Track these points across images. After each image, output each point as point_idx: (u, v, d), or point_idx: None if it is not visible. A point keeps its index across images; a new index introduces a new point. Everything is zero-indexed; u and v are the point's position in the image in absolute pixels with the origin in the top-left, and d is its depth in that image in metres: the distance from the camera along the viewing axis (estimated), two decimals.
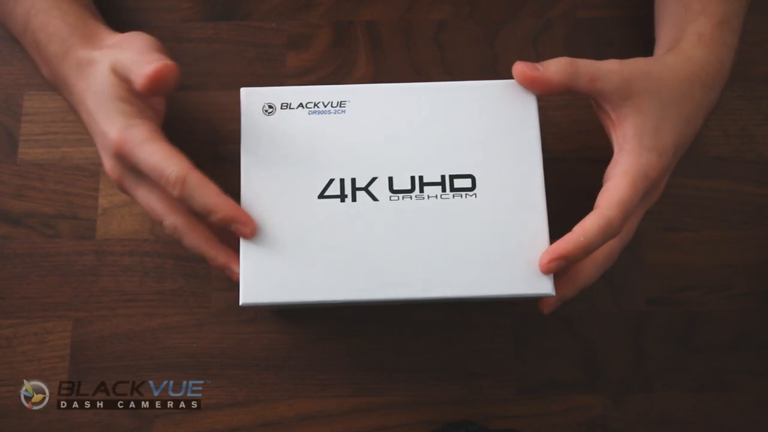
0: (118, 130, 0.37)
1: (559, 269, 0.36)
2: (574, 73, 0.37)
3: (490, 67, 0.48)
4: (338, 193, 0.36)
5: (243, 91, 0.38)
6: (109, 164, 0.39)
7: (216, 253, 0.38)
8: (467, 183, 0.37)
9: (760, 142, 0.48)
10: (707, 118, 0.41)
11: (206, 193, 0.36)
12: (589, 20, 0.49)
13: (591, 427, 0.43)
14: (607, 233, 0.36)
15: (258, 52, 0.48)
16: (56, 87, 0.42)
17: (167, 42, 0.48)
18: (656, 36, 0.44)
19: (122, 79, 0.38)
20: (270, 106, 0.38)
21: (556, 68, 0.37)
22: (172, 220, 0.38)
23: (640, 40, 0.49)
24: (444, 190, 0.36)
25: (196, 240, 0.38)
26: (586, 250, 0.35)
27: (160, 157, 0.36)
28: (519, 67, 0.37)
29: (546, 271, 0.35)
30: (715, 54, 0.40)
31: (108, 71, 0.38)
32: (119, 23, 0.48)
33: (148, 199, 0.38)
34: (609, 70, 0.38)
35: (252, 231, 0.36)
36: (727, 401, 0.44)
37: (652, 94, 0.38)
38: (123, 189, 0.39)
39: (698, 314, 0.45)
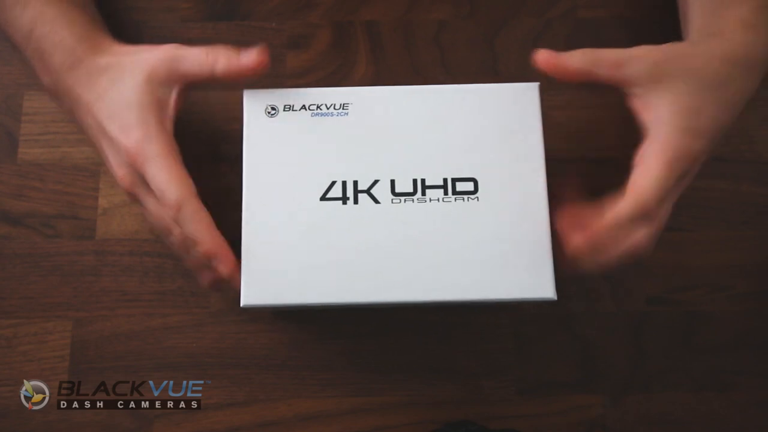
0: (135, 141, 0.37)
1: (589, 255, 0.36)
2: (596, 60, 0.37)
3: (490, 67, 0.48)
4: (340, 195, 0.36)
5: (246, 92, 0.38)
6: (121, 172, 0.38)
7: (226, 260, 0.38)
8: (469, 186, 0.37)
9: (759, 142, 0.48)
10: (745, 104, 0.39)
11: (198, 222, 0.36)
12: (589, 20, 0.49)
13: (591, 427, 0.43)
14: (640, 214, 0.35)
15: None
16: (57, 96, 0.42)
17: (167, 42, 0.48)
18: (686, 24, 0.43)
19: (159, 85, 0.38)
20: (273, 108, 0.38)
21: (579, 56, 0.37)
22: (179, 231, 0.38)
23: (640, 40, 0.48)
24: (446, 193, 0.36)
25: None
26: (613, 232, 0.35)
27: (165, 177, 0.36)
28: (542, 54, 0.37)
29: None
30: (759, 36, 0.39)
31: (139, 78, 0.38)
32: (119, 23, 0.49)
33: (157, 209, 0.38)
34: (636, 54, 0.37)
35: (230, 272, 0.36)
36: (727, 401, 0.44)
37: (689, 75, 0.37)
38: (133, 197, 0.39)
39: (698, 314, 0.45)
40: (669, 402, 0.44)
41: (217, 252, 0.36)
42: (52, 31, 0.40)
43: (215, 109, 0.47)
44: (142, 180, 0.37)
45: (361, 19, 0.49)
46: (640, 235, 0.37)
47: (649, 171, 0.35)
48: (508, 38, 0.49)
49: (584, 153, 0.47)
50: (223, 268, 0.36)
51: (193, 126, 0.47)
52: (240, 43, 0.48)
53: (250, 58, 0.38)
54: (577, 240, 0.35)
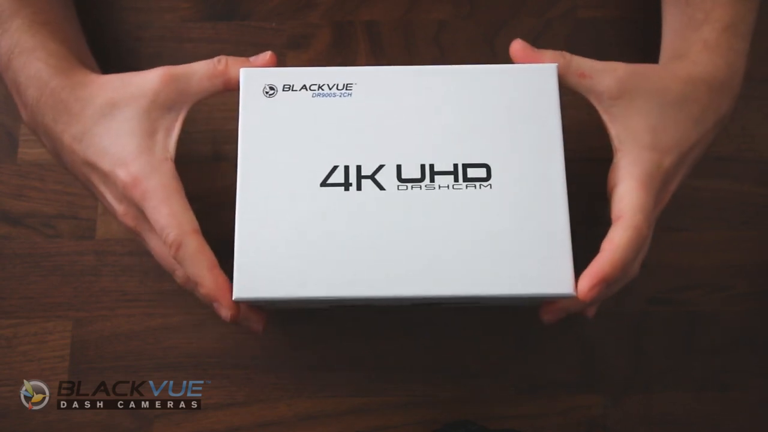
0: (133, 173, 0.35)
1: (600, 294, 0.33)
2: (566, 65, 0.37)
3: None
4: (342, 181, 0.34)
5: (243, 71, 0.36)
6: (122, 209, 0.36)
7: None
8: (482, 173, 0.34)
9: (760, 142, 0.48)
10: (720, 124, 0.40)
11: (198, 263, 0.34)
12: (589, 20, 0.49)
13: (591, 427, 0.43)
14: (639, 242, 0.34)
15: (258, 52, 0.48)
16: (36, 133, 0.40)
17: (167, 42, 0.49)
18: (661, 46, 0.44)
19: (165, 110, 0.36)
20: (271, 88, 0.35)
21: (550, 56, 0.37)
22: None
23: (640, 41, 0.49)
24: (456, 179, 0.34)
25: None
26: (624, 266, 0.34)
27: (165, 212, 0.34)
28: (518, 44, 0.37)
29: (587, 299, 0.33)
30: (722, 58, 0.39)
31: (140, 106, 0.35)
32: (120, 23, 0.49)
33: (159, 246, 0.36)
34: (603, 68, 0.37)
35: (231, 317, 0.34)
36: (727, 401, 0.44)
37: (650, 94, 0.37)
38: (136, 233, 0.37)
39: (698, 314, 0.45)
40: (669, 402, 0.44)
41: (216, 296, 0.34)
42: (28, 63, 0.38)
43: (215, 108, 0.47)
44: (144, 215, 0.35)
45: (361, 19, 0.49)
46: (638, 263, 0.38)
47: (630, 194, 0.35)
48: (508, 38, 0.48)
49: (585, 153, 0.46)
50: (224, 312, 0.34)
51: (193, 126, 0.47)
52: (240, 43, 0.48)
53: (264, 58, 0.37)
54: (586, 287, 0.33)
